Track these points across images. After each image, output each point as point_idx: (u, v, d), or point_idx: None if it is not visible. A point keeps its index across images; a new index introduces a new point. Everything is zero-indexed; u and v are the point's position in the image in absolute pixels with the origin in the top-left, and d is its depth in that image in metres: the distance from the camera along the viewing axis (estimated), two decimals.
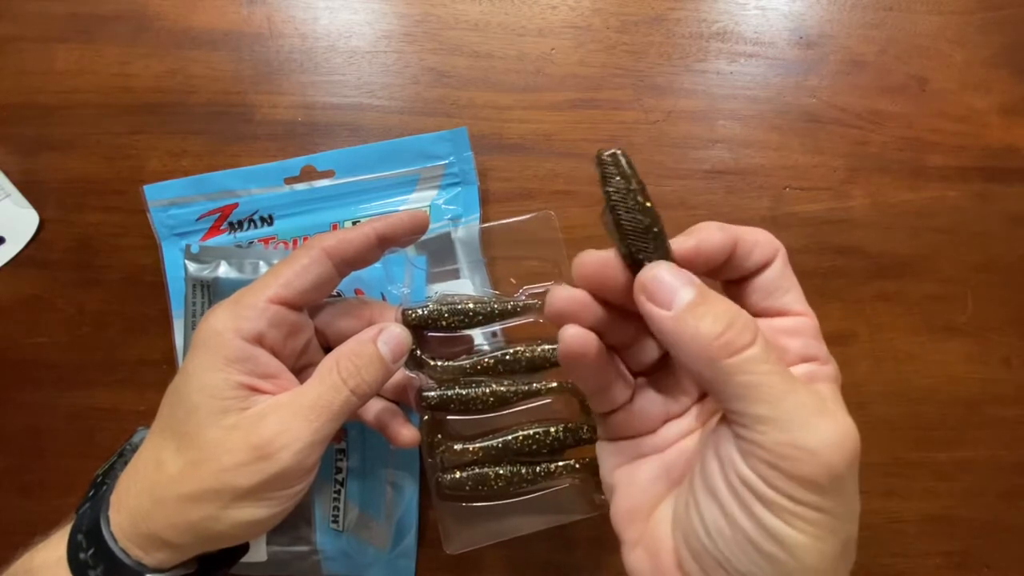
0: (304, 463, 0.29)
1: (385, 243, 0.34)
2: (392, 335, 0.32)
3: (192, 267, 0.43)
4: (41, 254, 0.47)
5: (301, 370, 0.35)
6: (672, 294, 0.23)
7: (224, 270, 0.43)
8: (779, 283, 0.26)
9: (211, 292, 0.43)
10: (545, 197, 0.47)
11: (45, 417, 0.47)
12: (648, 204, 0.24)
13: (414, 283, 0.44)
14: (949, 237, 0.48)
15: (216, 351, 0.29)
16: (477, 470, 0.38)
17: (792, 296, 0.26)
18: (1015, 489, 0.47)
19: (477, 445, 0.38)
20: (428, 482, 0.41)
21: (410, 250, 0.45)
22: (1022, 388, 0.47)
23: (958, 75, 0.48)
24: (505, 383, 0.38)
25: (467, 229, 0.46)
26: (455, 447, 0.38)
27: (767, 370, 0.22)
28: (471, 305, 0.37)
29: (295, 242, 0.46)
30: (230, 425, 0.29)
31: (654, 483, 0.27)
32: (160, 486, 0.29)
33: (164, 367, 0.47)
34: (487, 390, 0.38)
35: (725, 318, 0.22)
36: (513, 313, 0.38)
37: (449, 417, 0.39)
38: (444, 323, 0.37)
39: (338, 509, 0.44)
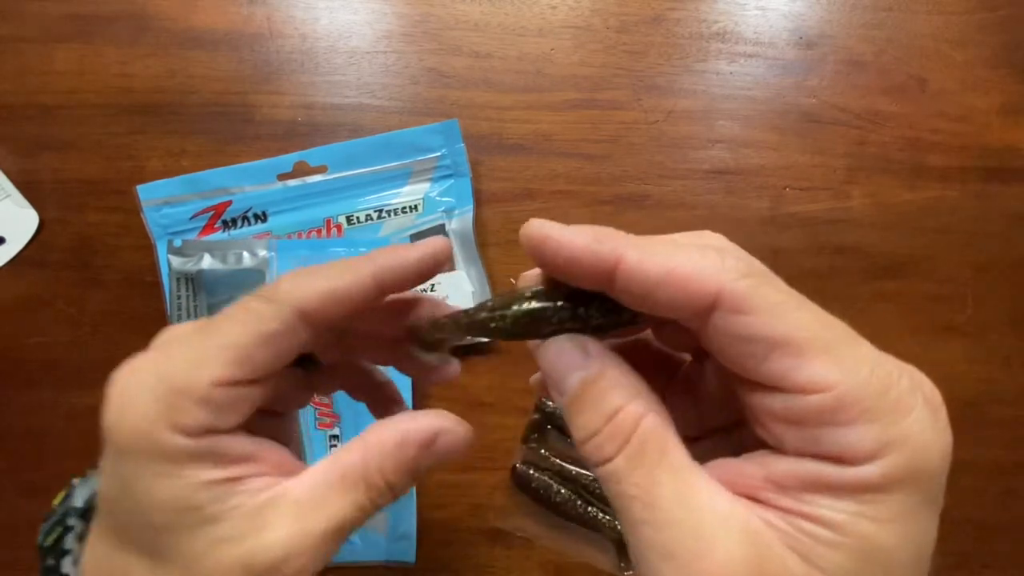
0: None
1: (389, 291, 0.24)
2: (450, 446, 0.23)
3: (175, 261, 0.43)
4: (41, 254, 0.47)
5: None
6: (558, 380, 0.20)
7: (208, 262, 0.43)
8: (737, 347, 0.18)
9: (195, 285, 0.43)
10: (545, 197, 0.47)
11: (45, 417, 0.47)
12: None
13: None
14: (949, 237, 0.48)
15: (152, 456, 0.21)
16: (547, 479, 0.44)
17: (782, 359, 0.17)
18: (1015, 489, 0.47)
19: (558, 461, 0.45)
20: None
21: (392, 234, 0.46)
22: (1022, 388, 0.47)
23: (958, 75, 0.48)
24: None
25: (461, 220, 0.46)
26: (541, 451, 0.45)
27: (621, 491, 0.18)
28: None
29: (288, 238, 0.46)
30: (219, 537, 0.21)
31: None
32: None
33: None
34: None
35: (594, 422, 0.19)
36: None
37: (549, 427, 0.46)
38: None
39: None
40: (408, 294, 0.24)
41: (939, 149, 0.48)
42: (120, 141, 0.47)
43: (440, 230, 0.46)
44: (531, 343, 0.21)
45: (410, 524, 0.45)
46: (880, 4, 0.48)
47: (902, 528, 0.17)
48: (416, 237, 0.46)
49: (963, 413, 0.47)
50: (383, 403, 0.28)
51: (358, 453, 0.22)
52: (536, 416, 0.45)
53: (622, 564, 0.44)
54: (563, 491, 0.44)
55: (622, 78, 0.48)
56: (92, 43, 0.47)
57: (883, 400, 0.17)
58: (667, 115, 0.48)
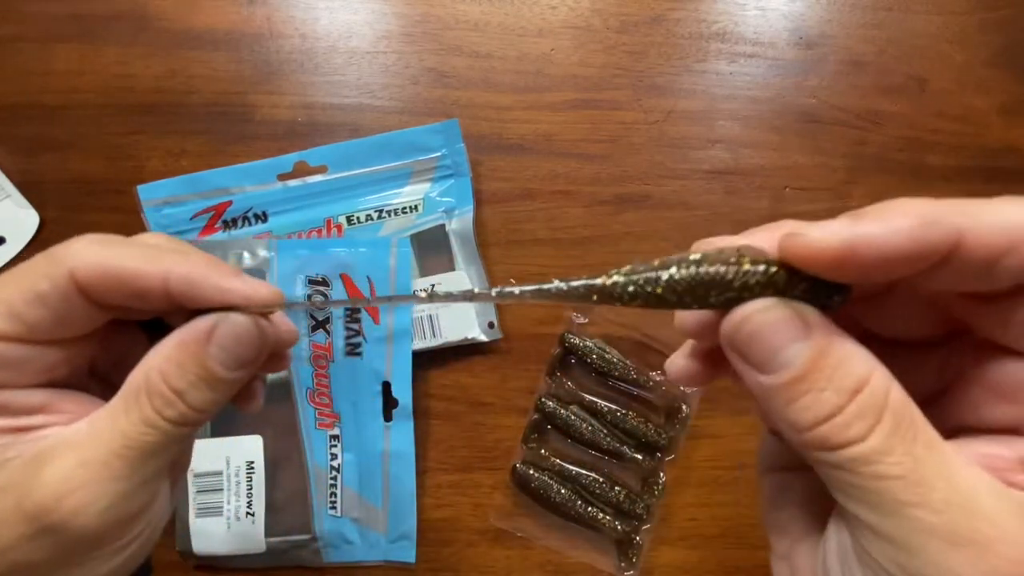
0: (122, 516, 0.21)
1: (183, 301, 0.21)
2: (230, 334, 0.21)
3: None
4: None
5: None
6: (772, 354, 0.17)
7: None
8: None
9: None
10: (545, 197, 0.47)
11: None
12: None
13: (399, 266, 0.45)
14: None
15: None
16: (547, 479, 0.44)
17: None
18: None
19: (558, 461, 0.45)
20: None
21: (393, 234, 0.46)
22: None
23: (958, 75, 0.48)
24: (604, 432, 0.45)
25: (461, 220, 0.46)
26: (540, 451, 0.45)
27: (878, 472, 0.16)
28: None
29: (289, 238, 0.46)
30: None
31: (811, 501, 0.20)
32: None
33: None
34: (589, 427, 0.45)
35: (833, 400, 0.16)
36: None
37: (549, 426, 0.46)
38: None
39: (335, 495, 0.44)
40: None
41: (939, 149, 0.48)
42: (120, 141, 0.47)
43: (440, 230, 0.46)
44: (729, 317, 0.17)
45: (410, 524, 0.45)
46: (880, 4, 0.48)
47: None
48: (416, 237, 0.46)
49: None
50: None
51: (139, 370, 0.21)
52: (536, 416, 0.45)
53: (622, 564, 0.44)
54: (563, 491, 0.44)
55: (622, 78, 0.48)
56: (92, 43, 0.47)
57: None
58: (667, 115, 0.48)
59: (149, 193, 0.45)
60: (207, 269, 0.21)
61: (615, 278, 0.18)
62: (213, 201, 0.45)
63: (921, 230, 0.15)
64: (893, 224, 0.15)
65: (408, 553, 0.45)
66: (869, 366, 0.16)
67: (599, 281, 0.18)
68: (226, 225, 0.46)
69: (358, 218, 0.46)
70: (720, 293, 0.17)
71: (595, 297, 0.18)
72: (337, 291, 0.44)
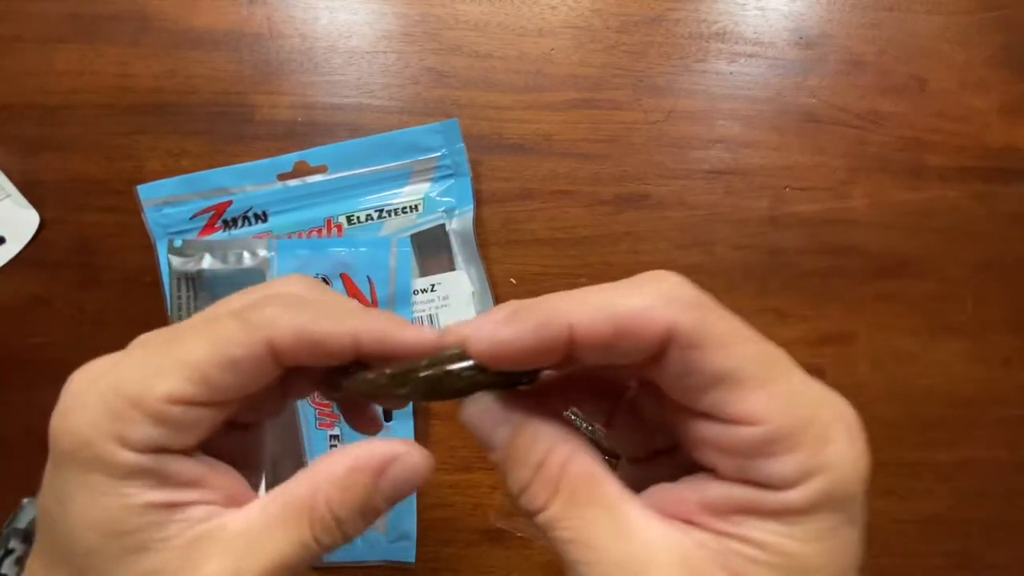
0: None
1: (364, 356, 0.22)
2: (406, 472, 0.21)
3: (176, 261, 0.44)
4: (41, 254, 0.47)
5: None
6: (486, 439, 0.20)
7: (208, 262, 0.44)
8: (684, 381, 0.18)
9: (196, 285, 0.43)
10: (545, 197, 0.47)
11: (45, 418, 0.47)
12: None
13: (400, 266, 0.45)
14: (949, 237, 0.48)
15: (90, 468, 0.19)
16: None
17: (722, 392, 0.18)
18: (1015, 489, 0.47)
19: None
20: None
21: (393, 234, 0.46)
22: (1022, 388, 0.47)
23: (958, 75, 0.48)
24: (604, 432, 0.44)
25: (461, 220, 0.46)
26: None
27: (558, 536, 0.19)
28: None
29: (289, 238, 0.46)
30: (145, 571, 0.20)
31: None
32: None
33: None
34: (588, 427, 0.43)
35: (525, 475, 0.19)
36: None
37: None
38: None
39: None
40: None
41: (939, 149, 0.48)
42: (120, 141, 0.47)
43: (440, 230, 0.46)
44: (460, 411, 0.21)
45: (410, 524, 0.45)
46: (880, 4, 0.48)
47: (824, 546, 0.18)
48: (416, 237, 0.46)
49: (963, 413, 0.47)
50: (358, 410, 0.26)
51: (305, 483, 0.21)
52: None
53: None
54: None
55: (622, 78, 0.48)
56: (92, 43, 0.47)
57: (807, 432, 0.18)
58: (667, 115, 0.48)
59: (149, 193, 0.45)
60: (389, 324, 0.21)
61: (374, 378, 0.21)
62: (213, 201, 0.45)
63: (536, 331, 0.18)
64: (518, 327, 0.18)
65: (408, 553, 0.45)
66: (550, 442, 0.19)
67: (372, 378, 0.21)
68: (226, 225, 0.46)
69: (358, 218, 0.46)
70: (451, 393, 0.20)
71: (374, 397, 0.21)
72: (337, 291, 0.44)
